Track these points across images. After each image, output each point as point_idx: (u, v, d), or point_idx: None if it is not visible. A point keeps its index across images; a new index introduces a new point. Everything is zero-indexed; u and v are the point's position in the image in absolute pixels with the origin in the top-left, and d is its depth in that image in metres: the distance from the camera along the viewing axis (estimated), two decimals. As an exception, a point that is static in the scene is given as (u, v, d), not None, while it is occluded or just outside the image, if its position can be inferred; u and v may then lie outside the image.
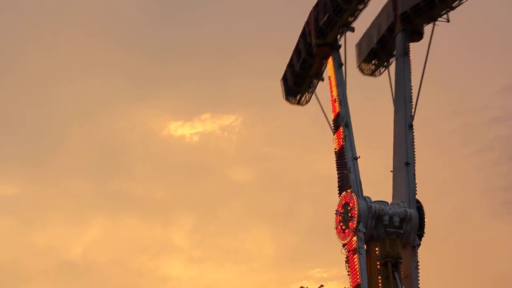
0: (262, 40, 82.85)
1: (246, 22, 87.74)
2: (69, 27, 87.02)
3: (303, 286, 40.56)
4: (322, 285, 36.75)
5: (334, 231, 33.82)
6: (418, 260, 33.29)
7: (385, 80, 36.79)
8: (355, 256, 32.40)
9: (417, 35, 35.47)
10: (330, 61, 35.94)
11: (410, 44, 35.48)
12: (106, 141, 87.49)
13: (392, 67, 36.52)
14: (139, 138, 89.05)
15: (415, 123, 34.45)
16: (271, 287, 79.35)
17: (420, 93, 34.29)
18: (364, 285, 31.64)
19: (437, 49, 35.58)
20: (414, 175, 33.81)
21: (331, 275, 71.49)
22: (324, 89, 36.89)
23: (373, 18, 38.35)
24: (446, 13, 34.37)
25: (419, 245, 33.38)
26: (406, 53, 35.26)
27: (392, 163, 34.56)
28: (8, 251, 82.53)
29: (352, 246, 32.69)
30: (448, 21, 34.39)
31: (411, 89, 34.80)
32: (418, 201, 33.85)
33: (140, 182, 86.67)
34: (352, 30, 35.61)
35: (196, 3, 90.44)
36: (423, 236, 33.57)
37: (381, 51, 38.19)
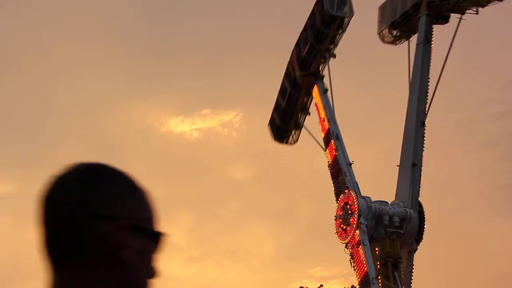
0: (263, 36, 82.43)
1: (246, 18, 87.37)
2: (67, 25, 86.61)
3: (303, 285, 40.22)
4: (321, 285, 36.60)
5: (335, 235, 33.46)
6: (413, 264, 32.78)
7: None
8: (359, 248, 31.85)
9: (443, 20, 34.12)
10: (315, 89, 36.48)
11: (434, 27, 34.10)
12: (104, 138, 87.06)
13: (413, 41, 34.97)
14: (138, 135, 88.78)
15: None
16: (271, 286, 78.92)
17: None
18: (371, 273, 30.92)
19: (439, 43, 34.68)
20: (420, 176, 33.03)
21: (332, 274, 70.78)
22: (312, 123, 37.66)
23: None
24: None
25: (415, 250, 32.89)
26: (428, 41, 33.75)
27: (400, 157, 33.58)
28: (7, 250, 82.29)
29: (355, 240, 32.16)
30: (477, 13, 33.03)
31: (428, 83, 33.59)
32: (420, 205, 33.28)
33: (138, 180, 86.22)
34: (334, 56, 35.76)
35: (195, 1, 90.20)
36: (421, 241, 32.98)
37: (403, 26, 36.19)
